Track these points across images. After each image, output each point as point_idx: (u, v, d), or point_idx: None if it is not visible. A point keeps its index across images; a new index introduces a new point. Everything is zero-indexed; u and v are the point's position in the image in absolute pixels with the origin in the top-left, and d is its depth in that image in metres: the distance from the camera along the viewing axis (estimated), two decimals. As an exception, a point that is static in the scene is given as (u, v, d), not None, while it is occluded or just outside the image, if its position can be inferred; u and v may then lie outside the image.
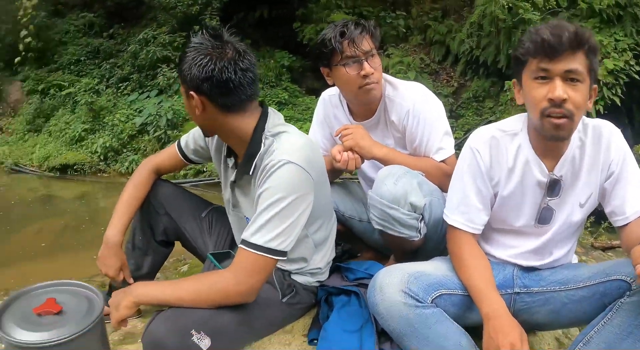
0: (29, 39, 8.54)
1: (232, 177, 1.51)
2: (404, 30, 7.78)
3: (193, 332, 1.24)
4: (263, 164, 1.33)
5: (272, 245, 1.27)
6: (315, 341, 1.45)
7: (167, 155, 1.77)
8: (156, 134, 7.00)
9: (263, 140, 1.36)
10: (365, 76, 1.67)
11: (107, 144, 7.18)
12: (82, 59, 9.13)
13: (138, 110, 7.61)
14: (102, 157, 7.21)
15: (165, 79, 7.64)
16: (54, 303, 1.03)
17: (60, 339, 0.96)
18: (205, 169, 6.38)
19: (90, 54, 9.22)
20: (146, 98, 7.85)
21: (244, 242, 1.29)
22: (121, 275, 1.62)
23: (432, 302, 1.30)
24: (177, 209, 1.74)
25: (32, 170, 7.47)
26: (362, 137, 1.71)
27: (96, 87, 8.25)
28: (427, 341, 1.27)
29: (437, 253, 1.64)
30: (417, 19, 7.91)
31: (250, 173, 1.38)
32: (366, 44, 1.68)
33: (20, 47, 8.58)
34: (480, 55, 6.77)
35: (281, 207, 1.27)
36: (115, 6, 9.88)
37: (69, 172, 7.25)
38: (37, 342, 0.95)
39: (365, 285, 1.47)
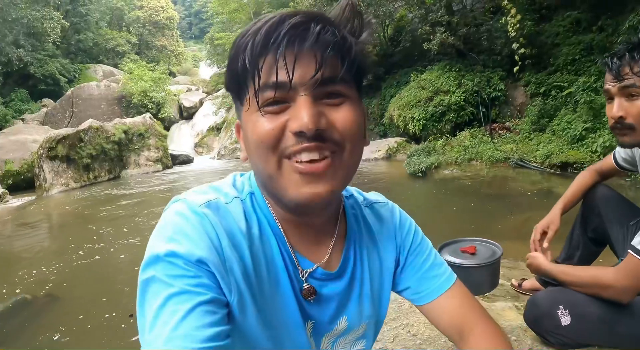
0: (522, 50, 9.56)
1: None
2: None
3: (561, 306, 1.53)
4: None
5: None
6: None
7: (605, 161, 1.93)
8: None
9: None
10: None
11: (607, 144, 7.22)
12: (576, 57, 9.42)
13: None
14: (601, 157, 7.32)
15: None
16: (474, 248, 1.72)
17: (466, 264, 1.66)
18: None
19: (584, 51, 9.37)
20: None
21: (631, 247, 1.38)
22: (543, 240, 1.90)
23: None
24: (607, 212, 1.84)
25: (534, 166, 8.47)
26: None
27: (594, 85, 8.32)
28: None
29: None
30: None
31: None
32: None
33: (516, 57, 9.72)
34: None
35: None
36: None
37: (568, 170, 7.79)
38: (454, 262, 1.67)
39: None
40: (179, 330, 0.56)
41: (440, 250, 1.73)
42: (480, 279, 1.66)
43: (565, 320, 1.52)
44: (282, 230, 0.74)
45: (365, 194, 0.94)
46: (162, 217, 0.68)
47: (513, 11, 9.50)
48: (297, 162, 0.64)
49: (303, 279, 0.76)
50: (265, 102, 0.63)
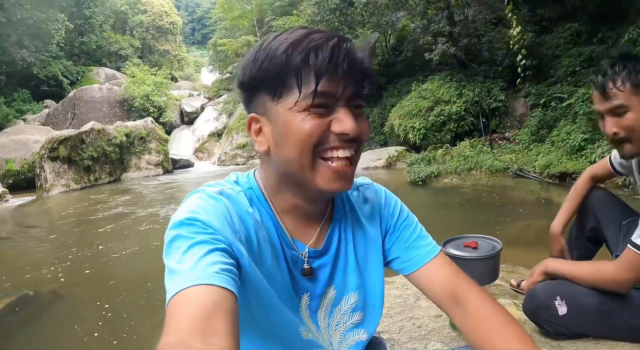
0: (523, 61, 9.74)
1: None
2: None
3: (558, 297, 1.61)
4: None
5: None
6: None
7: (601, 164, 2.03)
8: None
9: None
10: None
11: (606, 154, 7.20)
12: (576, 69, 9.52)
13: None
14: (600, 167, 7.43)
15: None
16: (475, 243, 1.81)
17: (468, 257, 1.74)
18: None
19: (584, 63, 9.48)
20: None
21: (630, 242, 1.48)
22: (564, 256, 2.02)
23: None
24: (602, 212, 1.97)
25: (533, 176, 8.56)
26: None
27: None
28: None
29: None
30: None
31: None
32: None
33: (519, 69, 9.86)
34: None
35: None
36: (598, 10, 9.80)
37: (567, 180, 7.86)
38: (458, 254, 1.75)
39: None
40: (201, 262, 0.67)
41: (444, 245, 1.84)
42: (481, 271, 1.75)
43: (562, 310, 1.61)
44: (279, 219, 0.89)
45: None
46: (184, 201, 0.81)
47: (514, 23, 9.64)
48: (330, 161, 0.80)
49: (304, 258, 0.92)
50: (313, 104, 0.76)
